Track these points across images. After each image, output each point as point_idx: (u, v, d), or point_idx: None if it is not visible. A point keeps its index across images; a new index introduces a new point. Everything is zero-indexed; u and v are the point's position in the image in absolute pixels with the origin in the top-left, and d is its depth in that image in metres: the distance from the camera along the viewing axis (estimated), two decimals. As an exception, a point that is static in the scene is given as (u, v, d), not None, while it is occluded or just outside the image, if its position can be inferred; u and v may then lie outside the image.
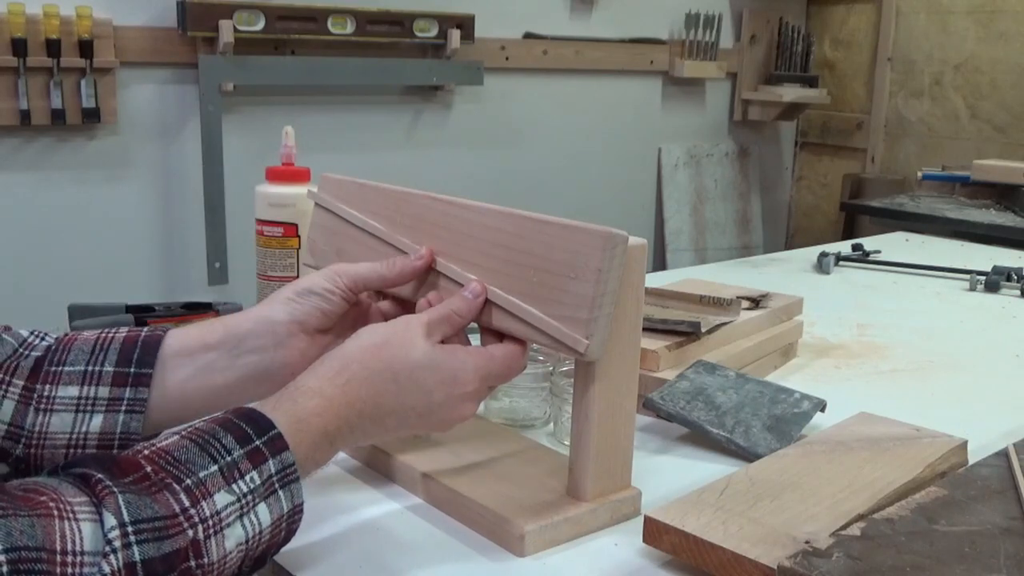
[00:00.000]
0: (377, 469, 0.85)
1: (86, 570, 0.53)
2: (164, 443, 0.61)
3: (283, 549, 0.70)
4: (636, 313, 0.74)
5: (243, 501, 0.61)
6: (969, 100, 3.53)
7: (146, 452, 0.60)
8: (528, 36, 3.19)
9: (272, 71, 2.63)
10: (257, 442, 0.63)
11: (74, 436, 0.74)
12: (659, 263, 3.62)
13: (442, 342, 0.73)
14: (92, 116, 2.37)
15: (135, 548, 0.55)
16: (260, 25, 2.55)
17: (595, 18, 3.35)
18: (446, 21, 2.85)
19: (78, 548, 0.54)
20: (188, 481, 0.59)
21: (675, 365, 1.02)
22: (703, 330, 1.05)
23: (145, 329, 0.77)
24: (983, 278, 1.64)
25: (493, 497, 0.76)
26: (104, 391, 0.74)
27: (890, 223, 2.65)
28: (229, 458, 0.61)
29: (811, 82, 3.78)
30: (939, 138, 3.63)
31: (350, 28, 2.69)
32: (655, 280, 1.31)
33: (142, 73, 2.49)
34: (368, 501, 0.80)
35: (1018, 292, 1.60)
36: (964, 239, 2.18)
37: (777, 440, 0.89)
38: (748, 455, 0.88)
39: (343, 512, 0.78)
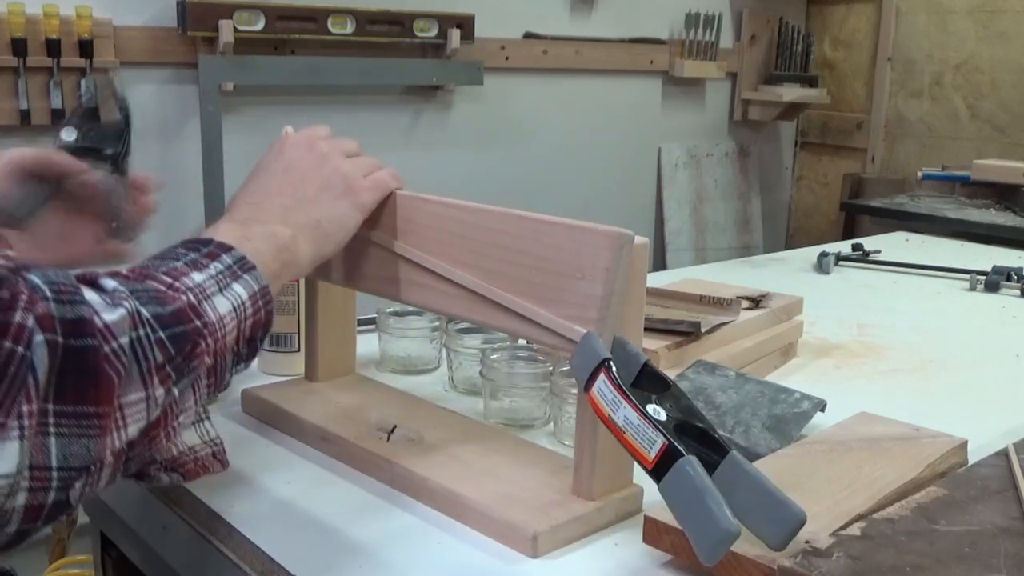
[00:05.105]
0: (376, 476, 0.84)
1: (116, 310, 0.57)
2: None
3: (285, 549, 0.70)
4: (639, 312, 0.74)
5: (216, 279, 0.66)
6: (969, 100, 3.53)
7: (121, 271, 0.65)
8: (528, 36, 3.19)
9: (272, 71, 2.63)
10: (204, 249, 0.69)
11: None
12: (659, 263, 3.62)
13: None
14: (92, 116, 2.37)
15: (141, 306, 0.59)
16: (260, 25, 2.55)
17: (595, 18, 3.35)
18: (446, 21, 2.85)
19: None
20: (163, 269, 0.65)
21: (675, 365, 1.02)
22: (703, 330, 1.05)
23: None
24: (983, 278, 1.63)
25: (498, 499, 0.76)
26: None
27: (890, 223, 2.66)
28: (188, 257, 0.67)
29: (811, 82, 3.78)
30: (939, 138, 3.63)
31: (350, 28, 2.69)
32: (655, 280, 1.30)
33: (142, 73, 2.49)
34: (369, 505, 0.80)
35: (1018, 292, 1.60)
36: (964, 239, 2.18)
37: (777, 440, 0.89)
38: (748, 455, 0.88)
39: (345, 516, 0.78)
